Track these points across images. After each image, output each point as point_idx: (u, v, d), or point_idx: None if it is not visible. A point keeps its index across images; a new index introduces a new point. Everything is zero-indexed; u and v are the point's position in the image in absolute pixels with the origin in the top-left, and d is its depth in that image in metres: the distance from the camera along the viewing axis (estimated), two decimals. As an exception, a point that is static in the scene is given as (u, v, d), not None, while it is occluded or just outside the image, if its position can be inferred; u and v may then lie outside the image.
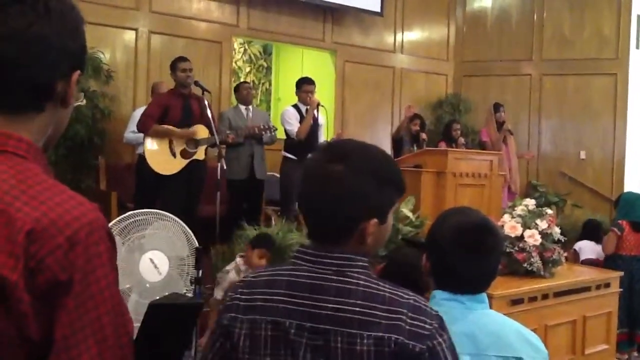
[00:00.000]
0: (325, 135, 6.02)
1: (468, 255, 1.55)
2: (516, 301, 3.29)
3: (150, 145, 4.87)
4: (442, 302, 1.56)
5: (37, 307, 0.85)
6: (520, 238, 3.63)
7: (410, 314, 1.14)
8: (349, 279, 1.17)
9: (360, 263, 1.19)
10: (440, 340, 1.14)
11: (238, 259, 4.00)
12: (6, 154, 0.93)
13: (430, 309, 1.18)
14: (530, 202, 3.90)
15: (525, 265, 3.56)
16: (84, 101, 4.49)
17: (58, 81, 0.98)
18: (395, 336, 1.12)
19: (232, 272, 3.93)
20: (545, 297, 3.44)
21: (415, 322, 1.13)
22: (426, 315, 1.15)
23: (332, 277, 1.17)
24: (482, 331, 1.52)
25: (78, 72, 1.01)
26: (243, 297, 1.23)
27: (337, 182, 1.17)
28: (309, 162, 1.26)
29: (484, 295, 1.61)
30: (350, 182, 1.17)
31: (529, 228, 3.67)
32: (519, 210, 3.82)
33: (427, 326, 1.14)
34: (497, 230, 1.65)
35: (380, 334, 1.12)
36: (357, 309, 1.14)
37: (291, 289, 1.19)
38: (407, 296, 1.17)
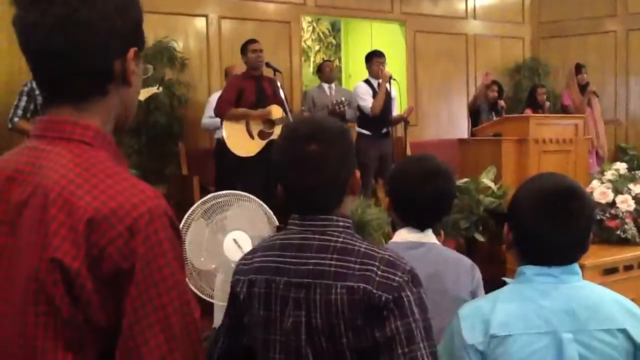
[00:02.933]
0: (398, 109, 5.92)
1: (551, 222, 1.41)
2: (610, 270, 3.15)
3: (229, 129, 4.95)
4: (533, 278, 1.44)
5: (103, 295, 0.87)
6: (612, 204, 3.47)
7: (382, 267, 1.21)
8: (329, 237, 1.27)
9: (342, 224, 1.29)
10: (407, 293, 1.20)
11: None
12: (73, 142, 0.95)
13: (405, 264, 1.24)
14: (622, 166, 3.74)
15: (618, 232, 3.41)
16: (160, 89, 4.49)
17: (114, 62, 0.98)
18: (364, 285, 1.19)
19: None
20: (642, 265, 3.28)
21: (385, 275, 1.20)
22: (397, 269, 1.22)
23: (315, 236, 1.28)
24: (580, 305, 1.40)
25: (134, 49, 0.99)
26: (247, 261, 1.36)
27: (321, 159, 1.26)
28: (283, 146, 1.33)
29: (576, 266, 1.47)
30: (330, 156, 1.27)
31: (621, 193, 3.50)
32: (609, 175, 3.66)
33: (396, 278, 1.20)
34: (584, 194, 1.48)
35: (352, 283, 1.20)
36: (334, 262, 1.24)
37: (282, 250, 1.30)
38: (383, 252, 1.25)
